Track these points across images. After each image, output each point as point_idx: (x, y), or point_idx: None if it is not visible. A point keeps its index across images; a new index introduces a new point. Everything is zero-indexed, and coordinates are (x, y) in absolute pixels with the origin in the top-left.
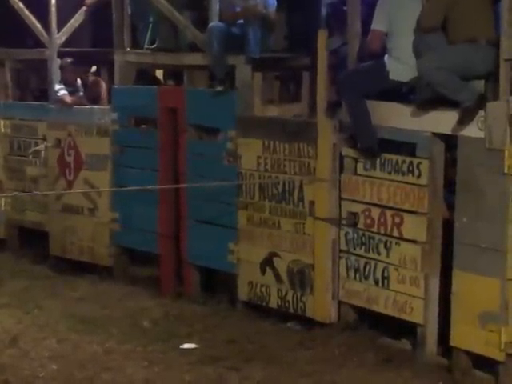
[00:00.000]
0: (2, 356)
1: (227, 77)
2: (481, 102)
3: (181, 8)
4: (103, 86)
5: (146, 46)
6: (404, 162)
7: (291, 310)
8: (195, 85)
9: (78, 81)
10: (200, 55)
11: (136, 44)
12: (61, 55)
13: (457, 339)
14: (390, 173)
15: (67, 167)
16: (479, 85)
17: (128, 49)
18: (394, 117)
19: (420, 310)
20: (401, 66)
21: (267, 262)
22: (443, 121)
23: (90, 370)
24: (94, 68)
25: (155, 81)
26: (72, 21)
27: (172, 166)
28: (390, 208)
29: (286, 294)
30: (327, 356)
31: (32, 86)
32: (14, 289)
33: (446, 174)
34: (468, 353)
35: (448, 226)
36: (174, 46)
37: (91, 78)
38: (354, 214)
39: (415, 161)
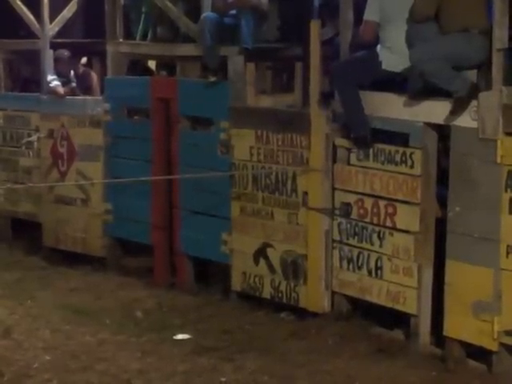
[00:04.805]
0: None
1: (220, 67)
2: (473, 91)
3: None
4: (94, 77)
5: (137, 38)
6: (397, 152)
7: (284, 301)
8: (188, 75)
9: (71, 72)
10: (193, 46)
11: (129, 35)
12: (53, 46)
13: (450, 329)
14: (383, 163)
15: (60, 158)
16: (472, 74)
17: (120, 39)
18: (387, 107)
19: (413, 300)
20: (393, 56)
21: (260, 253)
22: (436, 111)
23: (83, 361)
24: (84, 59)
25: (148, 71)
26: (64, 11)
27: (165, 156)
28: (383, 198)
29: (280, 284)
30: (320, 346)
31: (23, 76)
32: (7, 280)
33: (438, 164)
34: (461, 342)
35: (441, 216)
36: (171, 37)
37: (81, 69)
38: (347, 204)
39: (408, 151)
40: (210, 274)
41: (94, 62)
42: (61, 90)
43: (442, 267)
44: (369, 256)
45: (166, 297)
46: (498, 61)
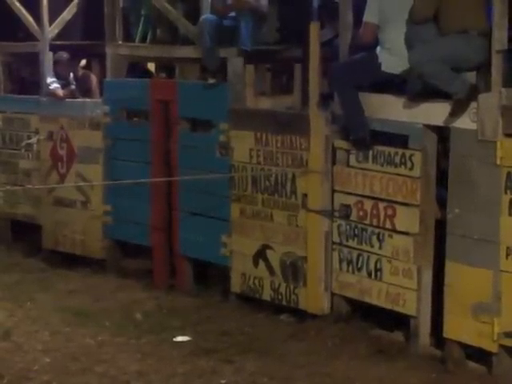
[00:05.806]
0: None
1: (219, 69)
2: (473, 93)
3: (173, 0)
4: (93, 79)
5: (137, 40)
6: (396, 153)
7: (284, 303)
8: (187, 77)
9: (71, 74)
10: (192, 48)
11: (128, 37)
12: (53, 48)
13: (450, 330)
14: (382, 165)
15: (60, 160)
16: (471, 76)
17: (120, 42)
18: (387, 109)
19: (413, 302)
20: (393, 58)
21: (260, 255)
22: (435, 112)
23: (83, 363)
24: (83, 61)
25: (147, 73)
26: (64, 13)
27: (164, 158)
28: (383, 200)
29: (279, 286)
30: (320, 348)
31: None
32: (6, 282)
33: (438, 165)
34: (461, 344)
35: (441, 218)
36: (170, 39)
37: (81, 72)
38: (347, 206)
39: (408, 153)
40: (210, 275)
41: (94, 64)
42: (60, 92)
43: (441, 269)
44: (368, 258)
45: (165, 299)
46: (497, 62)
